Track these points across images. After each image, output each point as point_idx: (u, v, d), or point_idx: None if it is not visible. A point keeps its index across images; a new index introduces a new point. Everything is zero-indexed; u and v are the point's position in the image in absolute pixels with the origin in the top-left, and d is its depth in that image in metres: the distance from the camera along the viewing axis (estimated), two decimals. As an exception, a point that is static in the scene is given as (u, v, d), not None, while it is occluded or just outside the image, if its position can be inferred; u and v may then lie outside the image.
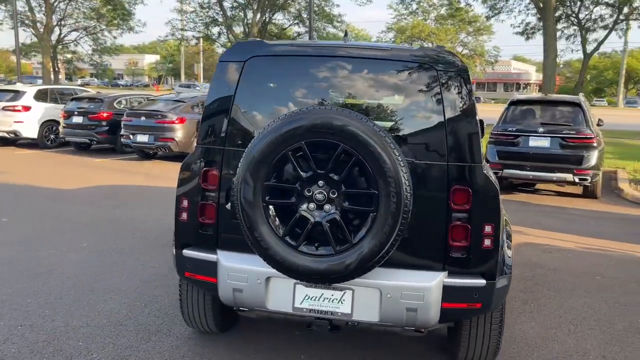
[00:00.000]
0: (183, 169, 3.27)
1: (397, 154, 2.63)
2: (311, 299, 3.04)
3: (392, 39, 63.38)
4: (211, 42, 32.50)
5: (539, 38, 26.31)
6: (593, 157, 9.32)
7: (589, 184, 9.49)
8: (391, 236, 2.65)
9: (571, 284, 5.34)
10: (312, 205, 2.76)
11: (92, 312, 4.27)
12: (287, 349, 3.77)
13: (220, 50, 36.82)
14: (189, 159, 3.26)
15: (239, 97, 3.11)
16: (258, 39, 3.34)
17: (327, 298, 3.03)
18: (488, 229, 2.96)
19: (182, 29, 30.57)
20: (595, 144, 9.39)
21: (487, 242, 2.96)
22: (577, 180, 9.28)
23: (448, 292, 2.94)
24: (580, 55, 26.83)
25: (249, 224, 2.76)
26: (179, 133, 12.89)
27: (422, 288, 2.91)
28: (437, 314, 2.96)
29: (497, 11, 24.68)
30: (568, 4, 23.35)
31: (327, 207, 2.75)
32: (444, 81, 2.94)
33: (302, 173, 2.74)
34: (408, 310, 2.95)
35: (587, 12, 24.41)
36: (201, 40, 34.03)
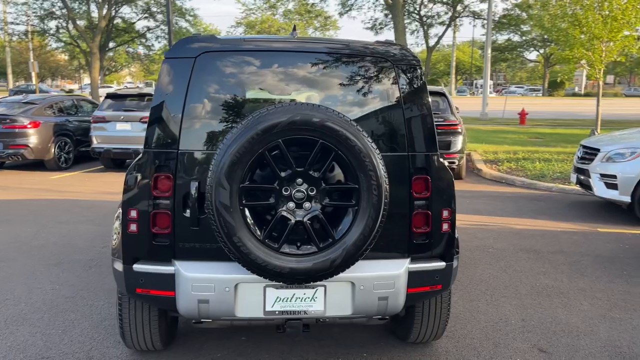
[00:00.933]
0: (129, 177, 2.98)
1: (374, 148, 2.66)
2: (283, 301, 2.97)
3: (242, 33, 63.16)
4: (46, 37, 29.61)
5: (387, 33, 27.99)
6: (459, 142, 10.23)
7: (455, 167, 10.38)
8: (374, 228, 2.69)
9: (471, 258, 5.81)
10: (291, 205, 2.69)
11: None
12: (236, 356, 3.63)
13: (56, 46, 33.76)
14: (135, 165, 2.98)
15: (191, 96, 2.90)
16: (210, 34, 3.14)
17: (299, 297, 2.98)
18: (446, 213, 3.12)
19: (12, 23, 27.47)
20: (459, 130, 10.30)
21: (445, 226, 3.13)
22: (446, 163, 10.08)
23: (413, 277, 3.05)
24: (423, 48, 29.13)
25: (227, 230, 2.60)
26: (33, 138, 11.68)
27: (392, 276, 2.99)
28: (403, 299, 3.06)
29: (348, 8, 25.80)
30: (411, 1, 25.17)
31: (307, 205, 2.69)
32: (401, 74, 3.03)
33: (280, 172, 2.65)
34: (380, 299, 3.01)
35: (427, 9, 26.57)
36: (31, 35, 30.94)
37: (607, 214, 7.88)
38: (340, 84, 3.05)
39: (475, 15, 27.18)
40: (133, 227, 2.97)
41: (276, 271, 2.66)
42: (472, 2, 27.78)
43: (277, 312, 2.97)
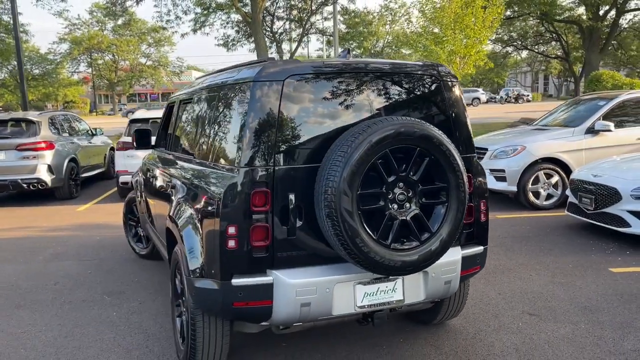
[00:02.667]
0: (226, 195, 3.09)
1: (456, 151, 3.16)
2: (370, 295, 3.32)
3: (68, 50, 58.76)
4: None
5: (240, 50, 28.11)
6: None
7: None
8: (461, 220, 3.19)
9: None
10: (395, 206, 3.07)
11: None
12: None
13: None
14: (231, 184, 3.10)
15: (282, 116, 3.13)
16: (293, 59, 3.37)
17: (383, 290, 3.35)
18: (483, 205, 3.72)
19: None
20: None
21: (482, 216, 3.73)
22: None
23: (465, 262, 3.59)
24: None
25: (350, 233, 2.91)
26: None
27: (454, 262, 3.50)
28: (459, 281, 3.60)
29: (200, 25, 25.69)
30: (262, 18, 25.89)
31: (407, 205, 3.10)
32: (446, 88, 3.56)
33: (387, 178, 3.03)
34: (445, 283, 3.51)
35: (278, 27, 27.57)
36: None
37: (497, 204, 9.22)
38: (404, 98, 3.48)
39: (322, 32, 28.96)
40: (232, 243, 3.10)
41: (390, 265, 3.02)
42: (318, 20, 29.44)
43: (365, 307, 3.32)
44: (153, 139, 5.83)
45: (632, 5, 26.37)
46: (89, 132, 13.57)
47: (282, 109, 3.13)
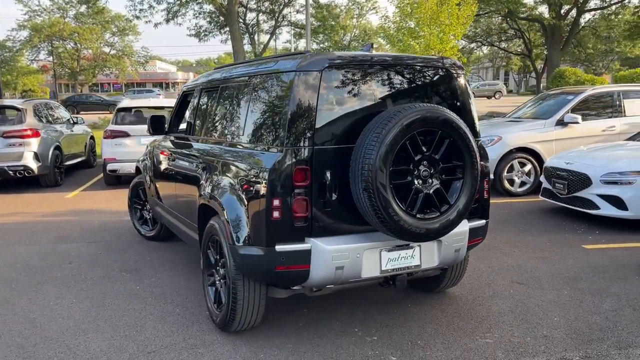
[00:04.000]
0: (272, 171, 3.50)
1: (471, 134, 3.66)
2: (392, 261, 3.79)
3: (27, 38, 57.05)
4: None
5: (212, 40, 28.38)
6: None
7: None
8: (474, 194, 3.68)
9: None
10: (420, 181, 3.54)
11: None
12: (315, 321, 4.31)
13: None
14: (276, 162, 3.51)
15: (321, 102, 3.55)
16: (330, 51, 3.79)
17: (403, 257, 3.83)
18: (486, 184, 4.24)
19: None
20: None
21: (485, 193, 4.25)
22: None
23: (471, 233, 4.10)
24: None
25: (384, 204, 3.36)
26: None
27: (463, 232, 4.00)
28: (466, 249, 4.11)
29: (173, 15, 25.63)
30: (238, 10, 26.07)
31: (429, 180, 3.57)
32: (456, 78, 4.05)
33: (413, 156, 3.50)
34: (455, 251, 4.01)
35: (250, 18, 27.77)
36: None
37: (475, 191, 9.83)
38: (423, 87, 3.95)
39: (294, 24, 29.29)
40: (276, 214, 3.51)
41: (416, 232, 3.49)
42: (290, 13, 29.77)
43: (389, 270, 3.79)
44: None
45: (591, 5, 27.71)
46: (70, 120, 13.60)
47: (320, 96, 3.56)
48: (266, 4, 27.83)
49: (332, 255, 3.56)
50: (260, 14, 28.43)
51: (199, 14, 26.56)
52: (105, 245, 6.70)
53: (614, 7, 28.58)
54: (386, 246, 3.75)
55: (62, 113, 13.63)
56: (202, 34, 27.81)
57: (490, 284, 5.15)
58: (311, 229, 3.59)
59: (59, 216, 8.49)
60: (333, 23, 30.87)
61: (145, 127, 10.80)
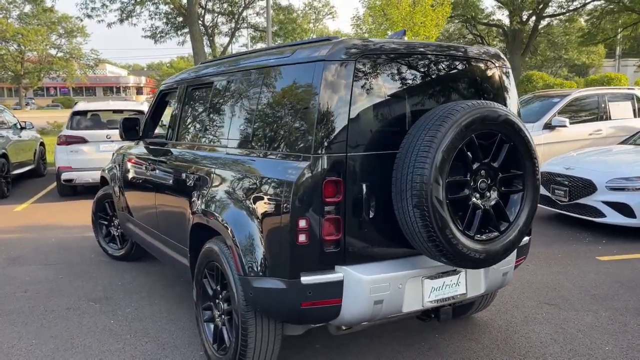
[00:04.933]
0: (297, 184, 2.81)
1: (532, 138, 3.06)
2: (436, 290, 3.16)
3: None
4: None
5: (169, 42, 27.16)
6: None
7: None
8: (535, 208, 3.09)
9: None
10: (477, 194, 2.92)
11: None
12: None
13: None
14: (302, 173, 2.82)
15: (354, 100, 2.89)
16: (362, 37, 3.11)
17: (448, 284, 3.20)
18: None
19: None
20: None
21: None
22: None
23: (517, 251, 3.52)
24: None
25: (440, 224, 2.72)
26: None
27: (512, 253, 3.41)
28: (512, 273, 3.52)
29: (127, 14, 24.37)
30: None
31: (488, 193, 2.95)
32: (502, 71, 3.46)
33: (471, 164, 2.87)
34: (503, 274, 3.42)
35: (208, 20, 26.79)
36: None
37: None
38: (469, 81, 3.34)
39: (254, 27, 28.47)
40: (302, 237, 2.82)
41: (476, 257, 2.86)
42: (250, 15, 28.94)
43: (432, 302, 3.15)
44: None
45: (549, 11, 28.16)
46: (17, 125, 12.40)
47: (354, 91, 2.90)
48: (225, 5, 26.93)
49: (371, 287, 2.90)
50: (219, 16, 27.52)
51: (155, 14, 25.47)
52: (66, 268, 5.79)
53: (568, 15, 29.17)
54: (429, 273, 3.12)
55: (8, 117, 12.42)
56: (159, 35, 26.64)
57: (517, 305, 4.59)
58: (344, 255, 2.92)
59: (8, 233, 7.48)
60: (295, 26, 30.21)
61: (105, 132, 10.14)
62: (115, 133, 9.66)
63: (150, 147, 4.97)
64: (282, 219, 2.86)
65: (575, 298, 4.73)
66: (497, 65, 3.45)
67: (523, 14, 26.74)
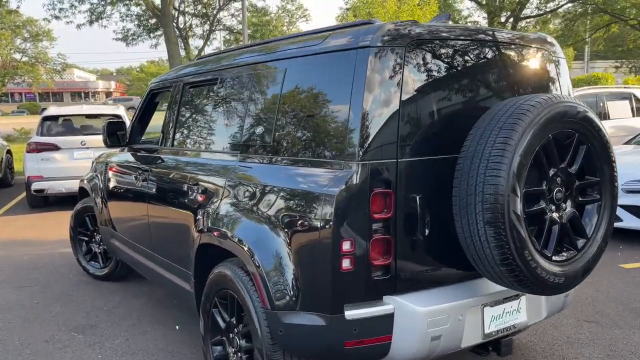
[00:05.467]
0: (340, 198, 2.29)
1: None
2: (496, 319, 2.68)
3: None
4: None
5: (141, 45, 26.45)
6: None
7: None
8: (614, 220, 2.64)
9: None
10: (552, 206, 2.45)
11: None
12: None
13: None
14: (345, 184, 2.30)
15: (405, 94, 2.40)
16: (411, 20, 2.60)
17: (508, 312, 2.73)
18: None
19: None
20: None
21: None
22: None
23: None
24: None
25: (518, 243, 2.24)
26: None
27: (573, 271, 2.96)
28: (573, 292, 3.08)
29: (97, 16, 23.45)
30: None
31: (563, 205, 2.48)
32: (559, 62, 3.02)
33: (547, 171, 2.40)
34: (565, 296, 2.97)
35: (182, 22, 26.02)
36: None
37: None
38: (530, 72, 2.89)
39: (229, 29, 27.80)
40: (347, 262, 2.31)
41: (555, 282, 2.39)
42: (225, 17, 28.25)
43: (493, 333, 2.68)
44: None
45: (527, 12, 28.23)
46: (-18, 132, 11.59)
47: (405, 83, 2.40)
48: (199, 6, 26.22)
49: (427, 321, 2.40)
50: (194, 18, 26.78)
51: (126, 16, 24.59)
52: (41, 291, 5.15)
53: (543, 17, 29.35)
54: (490, 300, 2.64)
55: (-28, 123, 11.58)
56: (130, 38, 25.73)
57: (555, 324, 4.15)
58: (394, 283, 2.42)
59: (-26, 251, 6.76)
60: (271, 28, 29.63)
61: (79, 138, 9.43)
62: (90, 139, 9.09)
63: (139, 154, 4.38)
64: (320, 240, 2.35)
65: (614, 313, 4.32)
66: (553, 53, 3.00)
67: (502, 15, 26.75)
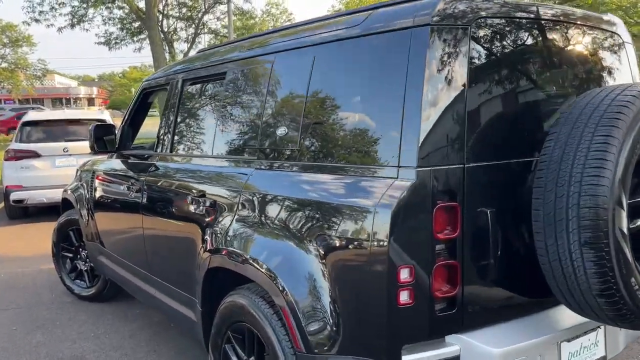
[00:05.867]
0: (397, 214, 1.82)
1: None
2: (574, 356, 2.24)
3: None
4: None
5: (124, 49, 25.85)
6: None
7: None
8: None
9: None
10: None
11: None
12: None
13: None
14: (403, 196, 1.83)
15: (472, 83, 1.95)
16: None
17: (585, 347, 2.28)
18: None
19: None
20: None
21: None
22: None
23: None
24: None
25: (625, 269, 1.79)
26: None
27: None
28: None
29: (78, 19, 22.72)
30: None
31: None
32: (626, 47, 2.60)
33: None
34: (643, 324, 2.53)
35: (166, 25, 25.35)
36: None
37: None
38: (601, 58, 2.47)
39: (215, 33, 27.23)
40: (405, 295, 1.84)
41: None
42: (210, 20, 27.64)
43: (569, 373, 2.22)
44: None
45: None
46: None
47: (472, 70, 1.95)
48: (184, 10, 25.62)
49: (504, 365, 1.94)
50: (178, 21, 26.16)
51: (109, 19, 23.91)
52: (20, 315, 4.60)
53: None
54: (567, 335, 2.19)
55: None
56: (113, 41, 25.03)
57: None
58: (461, 318, 1.96)
59: (-54, 269, 6.16)
60: (256, 32, 29.13)
61: (61, 145, 8.85)
62: (73, 145, 8.55)
63: (132, 161, 3.87)
64: (370, 268, 1.88)
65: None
66: (621, 35, 2.58)
67: None
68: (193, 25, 26.24)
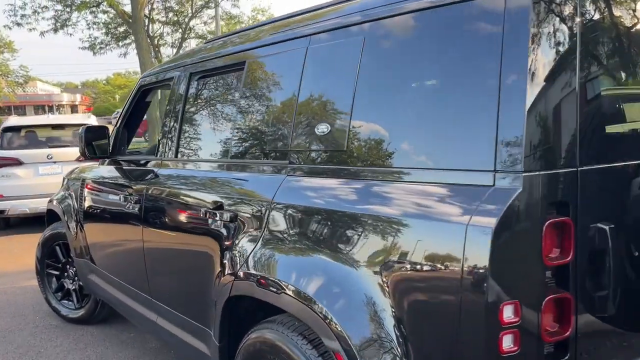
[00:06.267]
0: (497, 237, 1.38)
1: None
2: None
3: None
4: None
5: (109, 55, 25.16)
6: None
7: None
8: None
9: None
10: None
11: None
12: None
13: None
14: (506, 210, 1.39)
15: (584, 66, 1.53)
16: None
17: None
18: None
19: None
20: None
21: None
22: None
23: None
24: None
25: None
26: None
27: None
28: None
29: (61, 23, 22.08)
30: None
31: None
32: None
33: None
34: None
35: (153, 30, 24.78)
36: None
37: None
38: None
39: (202, 37, 26.70)
40: (509, 340, 1.40)
41: None
42: (197, 25, 27.12)
43: None
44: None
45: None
46: None
47: (583, 51, 1.52)
48: (170, 14, 25.09)
49: None
50: (165, 26, 25.63)
51: (94, 24, 23.29)
52: (1, 341, 4.09)
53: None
54: None
55: None
56: (98, 46, 24.38)
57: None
58: (574, 364, 1.52)
59: None
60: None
61: (45, 152, 8.33)
62: (57, 152, 8.08)
63: (128, 167, 3.40)
64: (461, 304, 1.43)
65: None
66: None
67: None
68: (180, 30, 25.71)
